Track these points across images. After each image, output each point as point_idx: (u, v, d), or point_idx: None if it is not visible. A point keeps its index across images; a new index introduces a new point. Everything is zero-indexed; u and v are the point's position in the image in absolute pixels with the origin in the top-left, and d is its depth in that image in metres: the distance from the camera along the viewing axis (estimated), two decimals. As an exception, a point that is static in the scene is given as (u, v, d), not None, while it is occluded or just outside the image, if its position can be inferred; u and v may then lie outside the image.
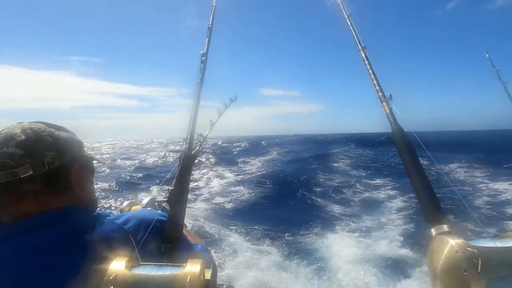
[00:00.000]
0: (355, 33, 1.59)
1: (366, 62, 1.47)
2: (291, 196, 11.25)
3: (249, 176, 15.05)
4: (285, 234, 7.26)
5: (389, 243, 6.60)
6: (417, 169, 1.05)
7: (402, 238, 6.78)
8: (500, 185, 11.65)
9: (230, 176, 15.33)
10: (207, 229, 7.51)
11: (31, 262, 0.83)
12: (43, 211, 0.90)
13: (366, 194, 11.27)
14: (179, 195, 1.00)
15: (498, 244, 0.66)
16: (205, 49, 1.35)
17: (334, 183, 13.13)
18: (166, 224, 0.96)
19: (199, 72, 1.24)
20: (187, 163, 1.01)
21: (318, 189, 12.13)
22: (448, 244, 0.67)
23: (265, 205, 10.20)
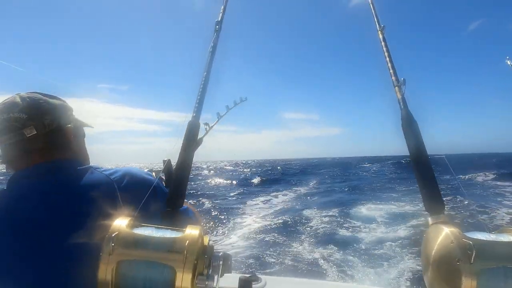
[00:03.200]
0: (374, 12, 1.53)
1: (383, 43, 1.42)
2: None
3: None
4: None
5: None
6: (423, 158, 1.05)
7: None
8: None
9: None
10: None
11: (35, 203, 0.99)
12: (46, 162, 1.07)
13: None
14: (185, 161, 1.01)
15: (493, 237, 0.66)
16: (220, 17, 1.30)
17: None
18: (170, 188, 0.98)
19: (212, 41, 1.21)
20: (192, 132, 1.01)
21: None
22: (443, 233, 0.68)
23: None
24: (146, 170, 1.77)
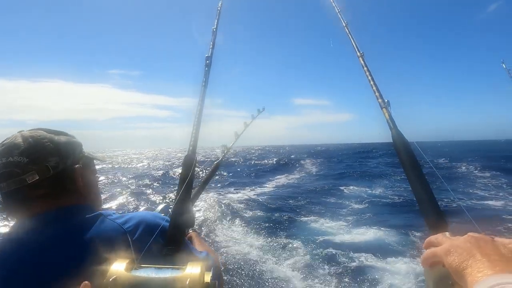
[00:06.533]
0: (353, 40, 1.60)
1: (365, 68, 1.47)
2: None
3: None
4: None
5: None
6: (418, 176, 1.04)
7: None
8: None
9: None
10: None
11: (35, 259, 0.86)
12: (50, 211, 0.95)
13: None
14: (183, 198, 0.99)
15: None
16: (210, 53, 1.34)
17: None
18: (169, 227, 0.96)
19: (203, 75, 1.24)
20: (189, 166, 1.01)
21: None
22: None
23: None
24: (163, 206, 1.63)
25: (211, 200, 11.18)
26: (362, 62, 1.52)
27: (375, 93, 1.38)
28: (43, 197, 0.96)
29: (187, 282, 0.60)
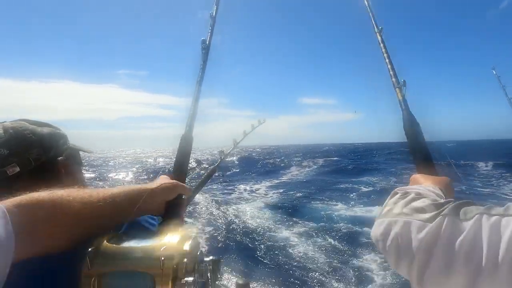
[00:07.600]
0: (372, 14, 1.51)
1: (382, 45, 1.39)
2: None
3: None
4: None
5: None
6: (427, 161, 1.02)
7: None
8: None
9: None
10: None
11: None
12: None
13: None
14: (179, 178, 0.98)
15: None
16: (207, 37, 1.32)
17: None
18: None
19: (201, 59, 1.22)
20: (186, 145, 1.01)
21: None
22: None
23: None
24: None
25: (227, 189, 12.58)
26: (379, 38, 1.44)
27: (389, 71, 1.31)
28: (24, 190, 0.88)
29: (163, 250, 0.62)
